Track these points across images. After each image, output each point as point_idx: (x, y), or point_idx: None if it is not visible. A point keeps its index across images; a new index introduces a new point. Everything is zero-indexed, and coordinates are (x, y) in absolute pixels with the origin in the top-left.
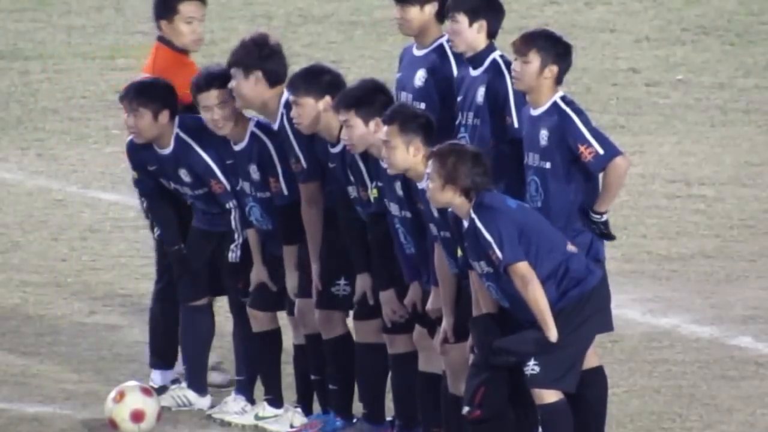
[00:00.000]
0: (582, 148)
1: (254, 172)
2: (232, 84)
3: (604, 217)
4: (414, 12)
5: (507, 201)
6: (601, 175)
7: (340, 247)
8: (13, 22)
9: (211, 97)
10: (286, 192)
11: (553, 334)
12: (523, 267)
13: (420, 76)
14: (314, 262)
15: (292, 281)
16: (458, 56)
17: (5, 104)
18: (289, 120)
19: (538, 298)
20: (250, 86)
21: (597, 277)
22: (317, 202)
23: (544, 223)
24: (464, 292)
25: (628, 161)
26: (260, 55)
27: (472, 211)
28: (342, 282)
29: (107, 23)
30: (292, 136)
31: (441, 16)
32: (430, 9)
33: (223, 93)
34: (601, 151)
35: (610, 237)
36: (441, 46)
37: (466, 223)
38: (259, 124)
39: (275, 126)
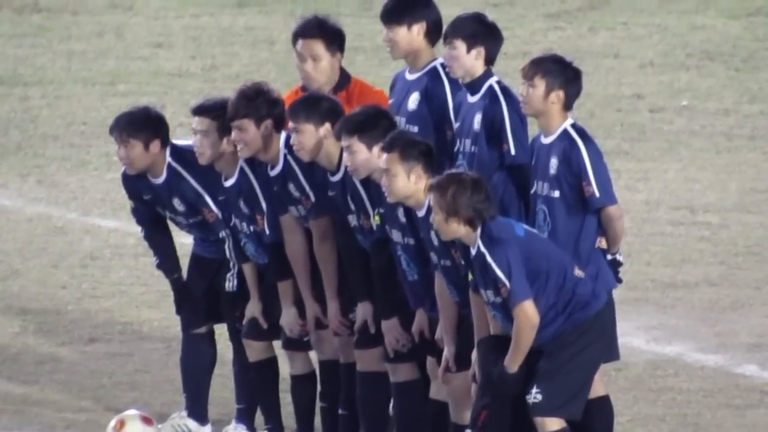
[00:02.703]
0: (584, 184)
1: (243, 207)
2: (237, 136)
3: (612, 256)
4: (402, 33)
5: (515, 229)
6: None
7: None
8: (13, 48)
9: (200, 123)
10: (267, 231)
11: (514, 366)
12: (529, 307)
13: (413, 99)
14: (331, 299)
15: (288, 318)
16: (452, 79)
17: (5, 130)
18: (295, 157)
19: (525, 340)
20: (260, 134)
21: (602, 302)
22: (330, 237)
23: (552, 247)
24: (465, 320)
25: (620, 211)
26: (269, 104)
27: (479, 242)
28: None
29: (108, 49)
30: (299, 172)
31: (431, 37)
32: (418, 29)
33: (210, 124)
34: (597, 194)
35: (618, 278)
36: (435, 69)
37: (473, 251)
38: (248, 161)
39: (278, 166)
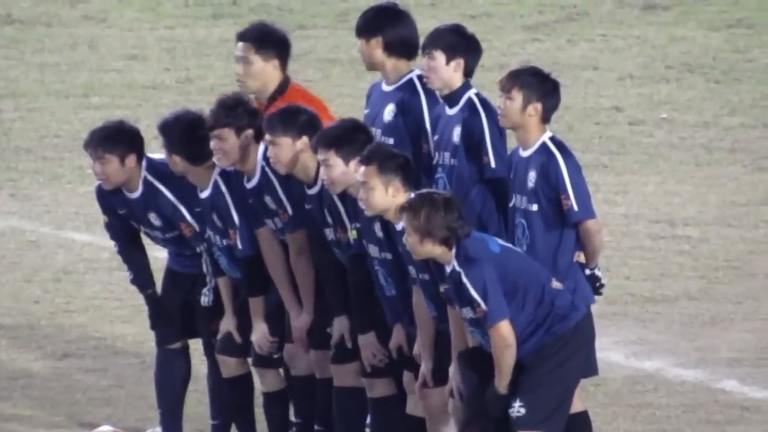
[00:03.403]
0: (562, 197)
1: (216, 220)
2: (217, 145)
3: (590, 271)
4: (362, 46)
5: (489, 245)
6: None
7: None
8: None
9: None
10: (240, 246)
11: (503, 388)
12: (504, 328)
13: (389, 111)
14: (306, 313)
15: (258, 334)
16: (429, 91)
17: None
18: (273, 170)
19: (505, 360)
20: (240, 144)
21: (581, 314)
22: (307, 251)
23: (529, 262)
24: (443, 335)
25: (599, 225)
26: (249, 114)
27: (455, 262)
28: None
29: (81, 61)
30: (277, 185)
31: (391, 51)
32: (375, 43)
33: None
34: (575, 208)
35: (597, 292)
36: (411, 81)
37: (448, 269)
38: (222, 173)
39: (255, 178)
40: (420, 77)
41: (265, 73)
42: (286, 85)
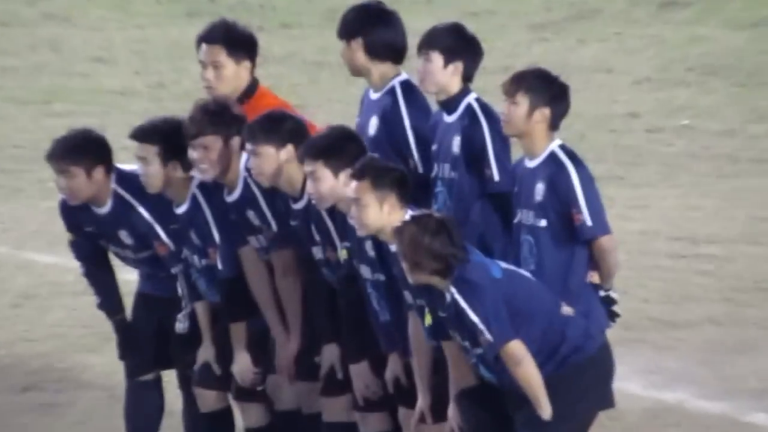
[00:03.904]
0: (573, 211)
1: (195, 238)
2: (200, 155)
3: (605, 293)
4: (344, 49)
5: (491, 270)
6: None
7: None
8: None
9: (140, 150)
10: (220, 266)
11: (546, 412)
12: (514, 347)
13: (373, 124)
14: (295, 340)
15: (240, 364)
16: (411, 99)
17: None
18: (254, 182)
19: (530, 377)
20: (226, 153)
21: (597, 344)
22: (293, 272)
23: (535, 286)
24: (443, 365)
25: (614, 242)
26: (236, 120)
27: (452, 287)
28: None
29: (42, 64)
30: (261, 199)
31: (374, 54)
32: (356, 45)
33: (150, 150)
34: (588, 223)
35: (612, 315)
36: (392, 89)
37: (448, 296)
38: (201, 186)
39: (237, 191)
40: (403, 83)
41: (238, 77)
42: (254, 87)
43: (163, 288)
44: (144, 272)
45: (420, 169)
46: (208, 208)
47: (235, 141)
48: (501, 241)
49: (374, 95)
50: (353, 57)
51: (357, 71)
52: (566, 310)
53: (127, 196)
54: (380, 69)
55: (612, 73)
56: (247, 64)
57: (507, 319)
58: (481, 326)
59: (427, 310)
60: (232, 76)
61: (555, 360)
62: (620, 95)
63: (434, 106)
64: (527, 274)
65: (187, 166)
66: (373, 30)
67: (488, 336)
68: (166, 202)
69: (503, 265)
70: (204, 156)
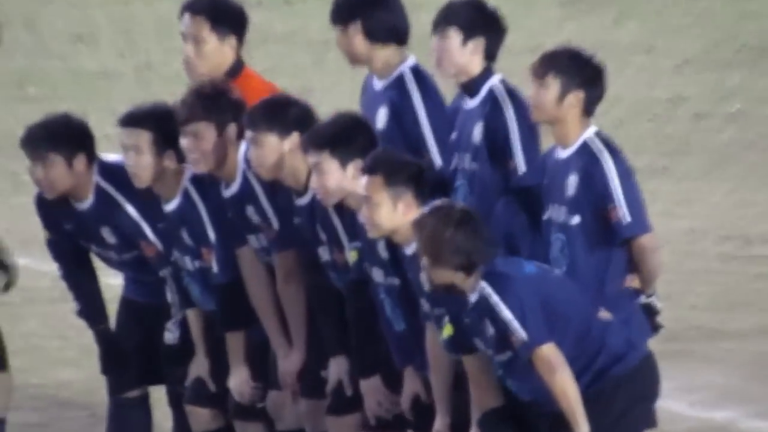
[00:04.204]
0: (609, 206)
1: (187, 238)
2: (192, 145)
3: (646, 299)
4: (339, 35)
5: (523, 267)
6: None
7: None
8: None
9: (131, 137)
10: (216, 269)
11: (583, 430)
12: (549, 350)
13: (381, 116)
14: (297, 350)
15: (238, 378)
16: (425, 86)
17: None
18: (256, 175)
19: (566, 387)
20: (221, 142)
21: (640, 355)
22: (297, 276)
23: (571, 287)
24: (464, 381)
25: (656, 242)
26: (233, 105)
27: (483, 283)
28: None
29: (15, 43)
30: (261, 193)
31: (374, 37)
32: (354, 29)
33: (144, 137)
34: (627, 219)
35: (655, 326)
36: (401, 76)
37: (473, 298)
38: (194, 179)
39: (236, 184)
40: (413, 69)
41: (221, 54)
42: (239, 68)
43: (151, 293)
44: (129, 276)
45: (438, 164)
46: (202, 203)
47: (231, 129)
48: (528, 240)
49: (379, 84)
50: (352, 43)
51: (357, 59)
52: (604, 315)
53: (111, 190)
54: (383, 54)
55: (653, 54)
56: (232, 41)
57: (543, 319)
58: (515, 323)
59: (447, 319)
60: (214, 52)
61: (592, 371)
62: (663, 78)
63: (451, 91)
64: (561, 274)
65: (182, 156)
66: (371, 11)
67: (522, 334)
68: (154, 198)
69: (535, 263)
70: (195, 145)
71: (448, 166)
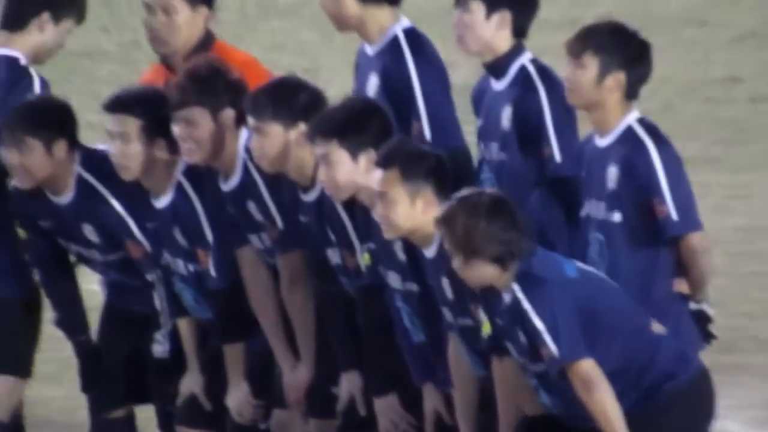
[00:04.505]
0: (655, 202)
1: (180, 238)
2: (184, 132)
3: (696, 306)
4: None
5: (564, 268)
6: None
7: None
8: None
9: (119, 123)
10: (213, 273)
11: None
12: (586, 367)
13: (372, 84)
14: (306, 364)
15: (237, 395)
16: (419, 50)
17: None
18: (257, 166)
19: (606, 407)
20: (217, 130)
21: (694, 371)
22: (304, 280)
23: (618, 294)
24: (491, 398)
25: (707, 241)
26: (230, 88)
27: (515, 284)
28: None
29: None
30: (263, 188)
31: None
32: None
33: (133, 124)
34: (674, 217)
35: (707, 336)
36: (395, 39)
37: (507, 298)
38: (189, 172)
39: (236, 177)
40: (407, 31)
41: (193, 25)
42: (210, 41)
43: (138, 301)
44: (113, 280)
45: (428, 137)
46: (197, 199)
47: (228, 114)
48: (565, 239)
49: (371, 50)
50: (340, 6)
51: (346, 23)
52: (657, 328)
53: (94, 183)
54: (376, 16)
55: (707, 28)
56: (203, 10)
57: (580, 331)
58: (546, 336)
59: (485, 317)
60: (186, 23)
61: (640, 389)
62: (717, 55)
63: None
64: (607, 278)
65: (174, 146)
66: None
67: (553, 348)
68: (142, 192)
69: (579, 264)
70: (188, 133)
71: (442, 143)
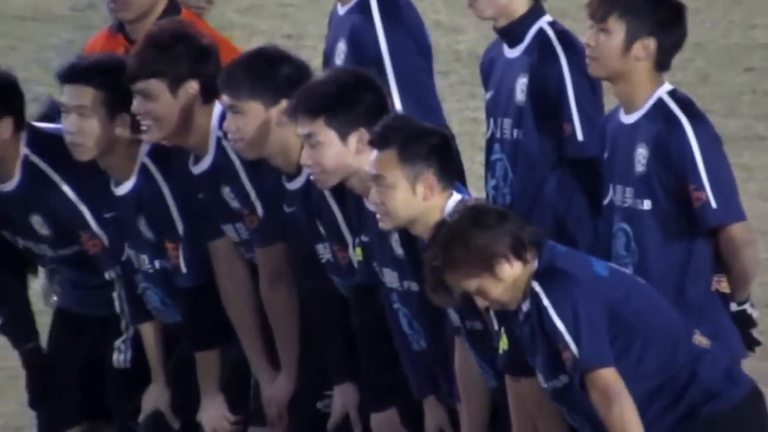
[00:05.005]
0: (691, 188)
1: (145, 230)
2: (142, 107)
3: (738, 307)
4: None
5: (592, 264)
6: None
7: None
8: None
9: (75, 96)
10: (184, 269)
11: None
12: (607, 376)
13: (340, 49)
14: (289, 377)
15: (211, 410)
16: (389, 11)
17: None
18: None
19: (626, 423)
20: (178, 105)
21: (743, 389)
22: (287, 278)
23: (656, 299)
24: (503, 412)
25: (751, 233)
26: (194, 57)
27: (534, 282)
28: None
29: None
30: (242, 170)
31: None
32: None
33: (93, 96)
34: (713, 204)
35: (750, 342)
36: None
37: (525, 306)
38: (154, 153)
39: (208, 158)
40: None
41: None
42: (174, 9)
43: (94, 303)
44: (67, 278)
45: (398, 107)
46: (165, 184)
47: (190, 87)
48: (588, 230)
49: (341, 10)
50: None
51: None
52: (700, 340)
53: (44, 166)
54: None
55: None
56: None
57: (605, 335)
58: (566, 335)
59: (502, 330)
60: None
61: (679, 409)
62: (760, 17)
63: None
64: (643, 281)
65: (138, 123)
66: None
67: (574, 349)
68: (100, 177)
69: (610, 264)
70: (145, 107)
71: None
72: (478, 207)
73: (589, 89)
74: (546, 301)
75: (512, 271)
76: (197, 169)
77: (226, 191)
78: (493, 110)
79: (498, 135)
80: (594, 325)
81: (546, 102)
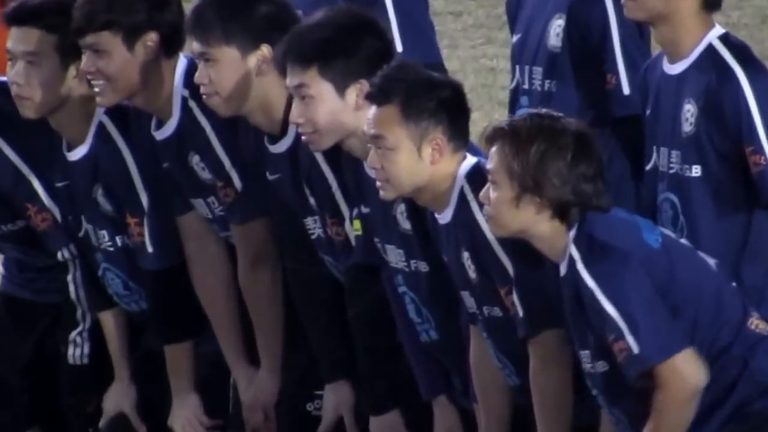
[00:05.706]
0: (748, 151)
1: (104, 202)
2: (93, 64)
3: None
4: None
5: (643, 233)
6: None
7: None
8: None
9: (23, 40)
10: (150, 248)
11: None
12: (684, 360)
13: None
14: (272, 376)
15: (183, 413)
16: None
17: None
18: (202, 106)
19: (681, 419)
20: (135, 62)
21: None
22: (271, 259)
23: (714, 276)
24: (526, 416)
25: None
26: (151, 4)
27: (573, 251)
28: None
29: None
30: (212, 134)
31: None
32: None
33: (42, 40)
34: None
35: None
36: None
37: (563, 269)
38: (112, 114)
39: (173, 121)
40: None
41: None
42: None
43: (44, 288)
44: (12, 257)
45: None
46: (127, 148)
47: (149, 39)
48: (632, 198)
49: None
50: None
51: None
52: (758, 324)
53: None
54: None
55: None
56: None
57: (669, 315)
58: (622, 325)
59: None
60: None
61: (730, 403)
62: None
63: None
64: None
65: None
66: None
67: (631, 342)
68: (50, 138)
69: (662, 230)
70: (98, 65)
71: (419, 58)
72: (580, 134)
73: (637, 33)
74: (590, 282)
75: (535, 218)
76: (160, 135)
77: (195, 160)
78: (519, 57)
79: (526, 86)
80: (654, 310)
81: (586, 48)
